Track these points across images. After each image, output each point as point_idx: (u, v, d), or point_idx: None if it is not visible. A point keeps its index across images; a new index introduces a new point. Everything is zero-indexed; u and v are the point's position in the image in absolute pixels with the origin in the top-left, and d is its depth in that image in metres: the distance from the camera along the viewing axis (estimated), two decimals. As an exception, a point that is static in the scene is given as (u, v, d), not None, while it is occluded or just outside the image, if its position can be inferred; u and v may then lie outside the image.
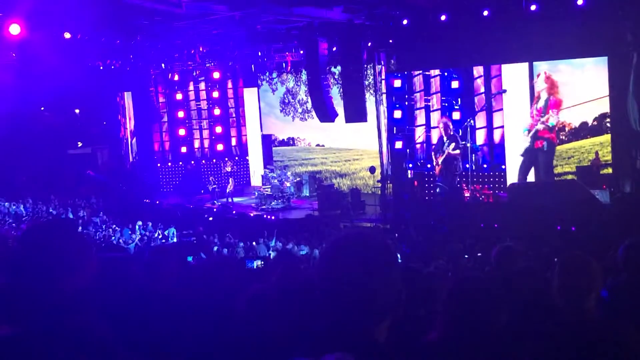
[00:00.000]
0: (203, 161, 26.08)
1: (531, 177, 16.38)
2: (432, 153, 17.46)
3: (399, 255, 11.02)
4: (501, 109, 16.73)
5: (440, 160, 16.37)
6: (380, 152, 18.63)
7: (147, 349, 2.01)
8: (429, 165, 17.78)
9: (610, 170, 15.28)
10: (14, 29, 13.45)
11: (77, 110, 29.96)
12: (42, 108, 28.27)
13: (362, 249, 1.70)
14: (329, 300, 1.68)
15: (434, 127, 17.65)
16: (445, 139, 16.15)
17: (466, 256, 12.29)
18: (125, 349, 1.91)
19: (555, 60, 15.65)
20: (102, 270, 1.83)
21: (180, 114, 25.75)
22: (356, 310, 1.64)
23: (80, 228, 18.06)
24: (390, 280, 1.69)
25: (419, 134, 18.16)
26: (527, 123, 16.40)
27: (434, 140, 17.72)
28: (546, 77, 15.95)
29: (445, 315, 2.87)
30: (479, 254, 11.53)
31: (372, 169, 19.79)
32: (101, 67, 22.50)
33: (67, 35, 16.32)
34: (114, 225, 18.22)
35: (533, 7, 14.30)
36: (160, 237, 16.83)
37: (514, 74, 16.41)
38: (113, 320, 1.91)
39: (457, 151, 15.91)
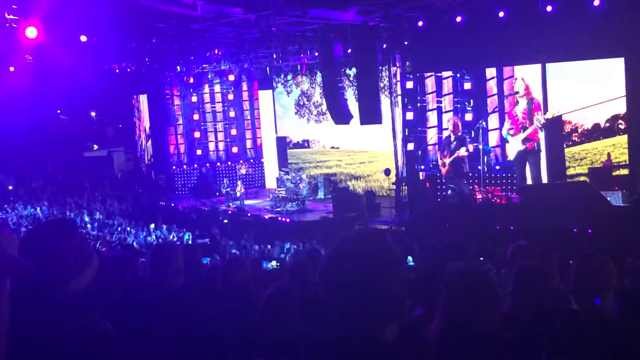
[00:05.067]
0: (218, 163, 26.17)
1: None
2: (438, 152, 17.24)
3: (410, 258, 10.96)
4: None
5: (447, 161, 16.11)
6: (395, 154, 18.53)
7: (152, 349, 1.98)
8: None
9: (623, 172, 15.09)
10: (31, 32, 13.55)
11: (93, 113, 30.24)
12: (59, 111, 28.56)
13: (365, 250, 1.66)
14: (332, 302, 1.64)
15: (446, 129, 17.59)
16: (452, 138, 15.95)
17: (482, 258, 12.18)
18: (130, 349, 1.88)
19: (570, 61, 15.50)
20: (105, 270, 1.80)
21: (196, 117, 25.90)
22: (362, 313, 1.60)
23: (95, 232, 18.15)
24: (395, 281, 1.65)
25: (431, 135, 18.05)
26: (506, 128, 16.36)
27: (445, 141, 17.62)
28: (525, 84, 15.97)
29: (444, 307, 2.81)
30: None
31: (387, 171, 19.70)
32: (117, 70, 22.68)
33: (83, 38, 16.44)
34: (129, 228, 18.27)
35: (549, 8, 14.14)
36: (175, 239, 16.85)
37: (526, 76, 16.24)
38: (117, 320, 1.89)
39: (465, 153, 15.70)
